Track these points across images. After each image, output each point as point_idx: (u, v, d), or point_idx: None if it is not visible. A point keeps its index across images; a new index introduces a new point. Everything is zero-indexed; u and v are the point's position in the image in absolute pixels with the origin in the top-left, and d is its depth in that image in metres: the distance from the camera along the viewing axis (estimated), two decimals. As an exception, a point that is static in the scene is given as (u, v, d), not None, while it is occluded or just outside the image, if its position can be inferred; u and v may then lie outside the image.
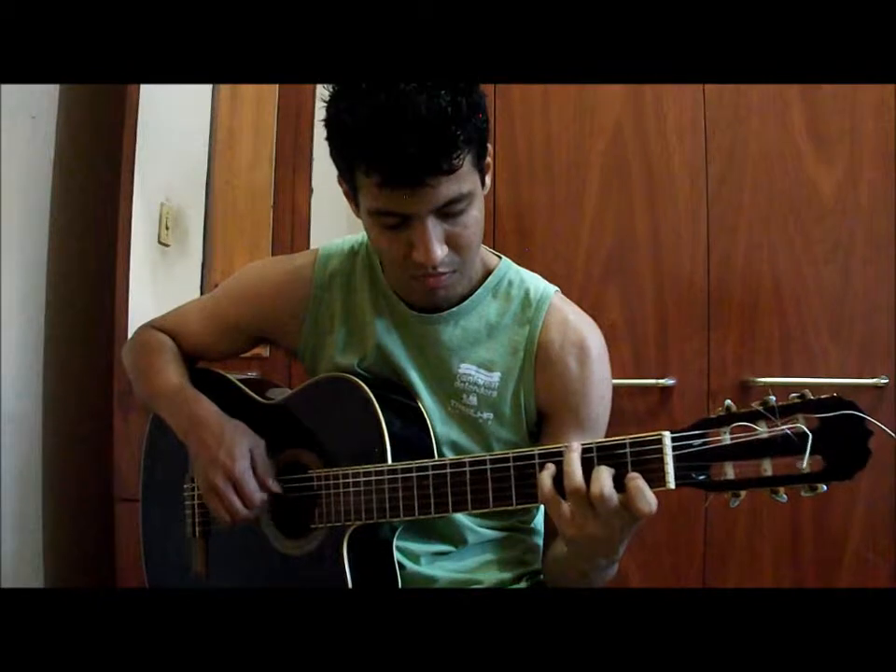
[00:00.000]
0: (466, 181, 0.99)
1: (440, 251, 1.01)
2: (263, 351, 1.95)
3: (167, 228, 2.20)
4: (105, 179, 2.13)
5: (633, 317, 1.94)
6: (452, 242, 1.02)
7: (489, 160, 1.06)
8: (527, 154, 1.98)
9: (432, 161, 0.95)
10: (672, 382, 1.92)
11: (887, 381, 1.86)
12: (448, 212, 1.00)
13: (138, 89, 2.05)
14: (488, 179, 1.07)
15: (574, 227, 1.96)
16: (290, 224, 2.04)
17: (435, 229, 1.00)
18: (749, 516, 1.90)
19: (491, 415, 1.13)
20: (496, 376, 1.13)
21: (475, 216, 1.03)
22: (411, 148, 0.93)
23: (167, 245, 2.21)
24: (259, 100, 2.21)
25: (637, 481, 0.88)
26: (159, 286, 2.17)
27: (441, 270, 1.04)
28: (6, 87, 1.89)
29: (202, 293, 2.22)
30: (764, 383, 1.87)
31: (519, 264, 1.21)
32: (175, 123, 2.21)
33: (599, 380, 1.14)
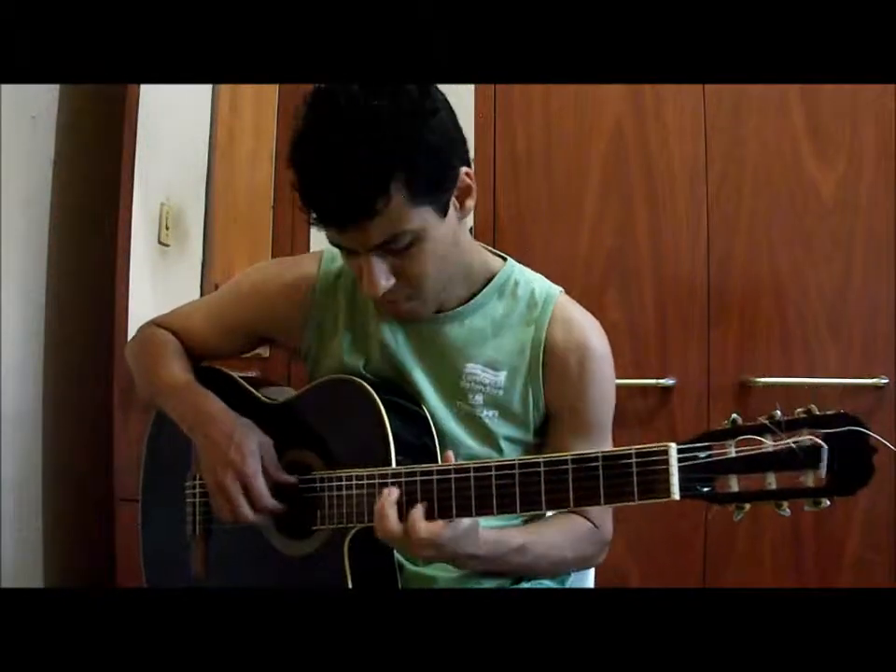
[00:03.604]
0: (403, 220, 0.98)
1: (382, 283, 1.02)
2: (263, 351, 1.95)
3: (167, 228, 2.20)
4: (105, 179, 2.13)
5: (633, 317, 1.94)
6: (400, 274, 1.03)
7: (468, 182, 1.04)
8: (527, 154, 1.98)
9: (345, 211, 0.97)
10: (672, 382, 1.92)
11: (887, 381, 1.86)
12: (391, 248, 1.00)
13: (138, 89, 2.05)
14: (470, 202, 1.06)
15: (574, 227, 1.96)
16: (290, 224, 2.04)
17: (378, 263, 1.01)
18: (750, 517, 1.89)
19: (496, 412, 1.14)
20: (502, 375, 1.14)
21: (426, 249, 1.02)
22: (323, 198, 0.97)
23: (167, 245, 2.21)
24: (259, 100, 2.21)
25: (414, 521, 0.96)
26: (159, 286, 2.17)
27: (389, 298, 1.05)
28: (6, 87, 1.89)
29: (201, 293, 2.22)
30: (764, 383, 1.87)
31: (519, 264, 1.21)
32: (175, 123, 2.21)
33: (599, 381, 1.15)
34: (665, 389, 1.92)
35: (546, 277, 1.21)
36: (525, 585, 1.17)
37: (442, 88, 1.04)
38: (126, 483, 1.92)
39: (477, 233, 1.98)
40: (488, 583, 1.15)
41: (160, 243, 2.19)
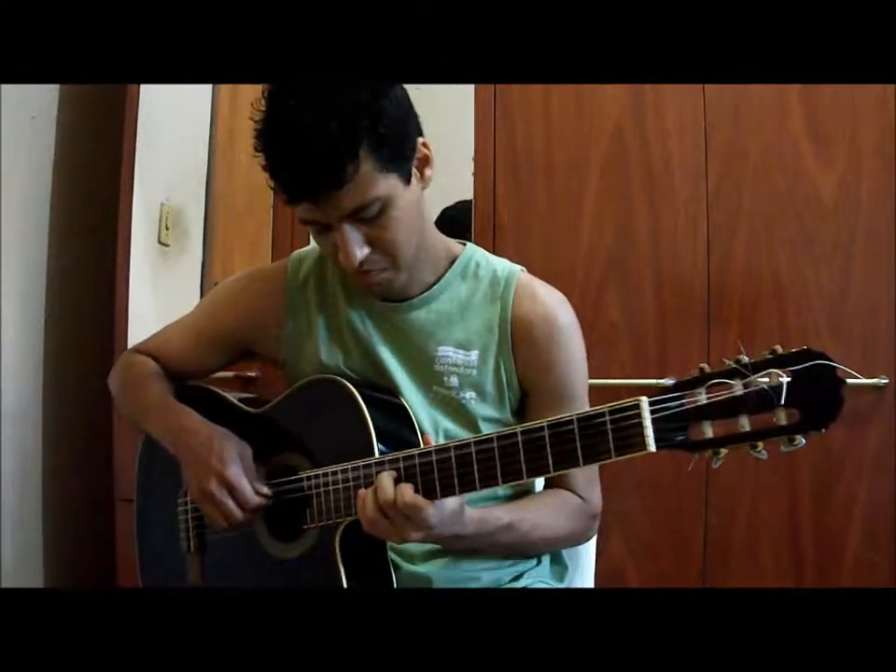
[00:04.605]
0: (372, 186, 1.01)
1: (358, 253, 1.04)
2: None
3: (167, 228, 2.21)
4: (105, 179, 2.13)
5: (633, 317, 1.94)
6: (374, 242, 1.05)
7: (425, 152, 1.08)
8: (527, 154, 1.98)
9: (319, 180, 0.99)
10: (671, 382, 1.91)
11: (887, 381, 1.86)
12: (362, 216, 1.03)
13: (138, 89, 2.05)
14: (429, 171, 1.09)
15: (574, 227, 1.96)
16: (290, 224, 2.04)
17: (352, 233, 1.04)
18: (749, 516, 1.90)
19: (473, 394, 1.15)
20: (473, 354, 1.15)
21: (395, 216, 1.05)
22: (297, 171, 0.99)
23: (167, 245, 2.22)
24: (260, 100, 2.21)
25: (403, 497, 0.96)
26: (159, 286, 2.17)
27: (366, 268, 1.07)
28: (6, 87, 1.89)
29: (201, 293, 2.23)
30: (764, 383, 1.87)
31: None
32: (174, 123, 2.22)
33: (568, 351, 1.16)
34: (665, 389, 1.92)
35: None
36: (524, 583, 1.17)
37: (442, 88, 1.04)
38: (126, 482, 1.92)
39: (477, 233, 1.99)
40: (486, 578, 1.15)
41: (160, 243, 2.20)
